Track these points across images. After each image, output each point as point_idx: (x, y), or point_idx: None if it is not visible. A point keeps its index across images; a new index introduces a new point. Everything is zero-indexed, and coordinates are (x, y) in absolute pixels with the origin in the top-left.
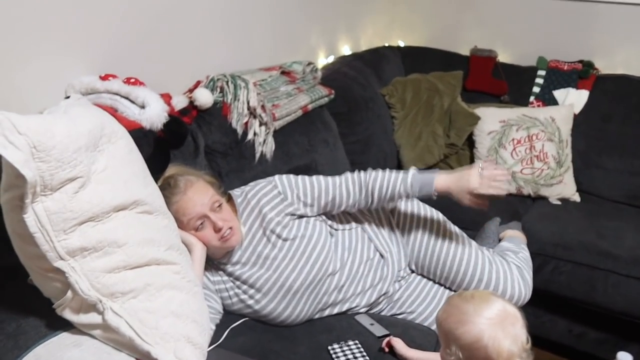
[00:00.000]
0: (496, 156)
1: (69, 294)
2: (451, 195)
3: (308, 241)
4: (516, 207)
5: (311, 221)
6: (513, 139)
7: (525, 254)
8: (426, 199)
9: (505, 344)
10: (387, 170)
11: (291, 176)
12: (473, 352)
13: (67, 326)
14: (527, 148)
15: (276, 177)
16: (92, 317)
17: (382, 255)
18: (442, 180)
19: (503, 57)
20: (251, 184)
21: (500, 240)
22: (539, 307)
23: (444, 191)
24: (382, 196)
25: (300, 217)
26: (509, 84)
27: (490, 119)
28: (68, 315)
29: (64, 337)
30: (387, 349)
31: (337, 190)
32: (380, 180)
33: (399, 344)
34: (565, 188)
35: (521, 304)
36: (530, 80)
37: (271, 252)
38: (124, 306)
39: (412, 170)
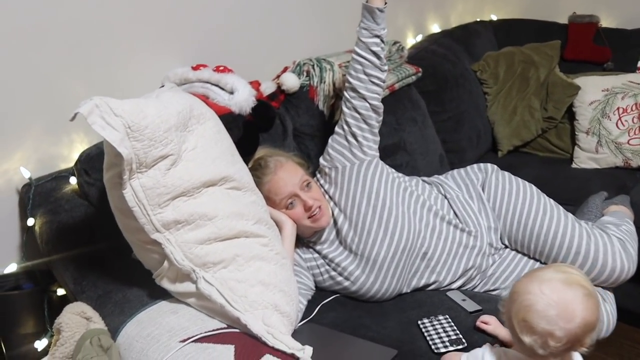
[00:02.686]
0: (599, 127)
1: (166, 264)
2: None
3: (387, 212)
4: (624, 181)
5: (388, 191)
6: (618, 108)
7: (629, 227)
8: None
9: (540, 306)
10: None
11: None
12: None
13: (166, 296)
14: (635, 117)
15: (320, 159)
16: (187, 286)
17: (469, 227)
18: None
19: (606, 22)
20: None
21: (603, 215)
22: None
23: None
24: (363, 43)
25: (370, 181)
26: (613, 50)
27: (592, 88)
28: (166, 284)
29: (163, 305)
30: (481, 326)
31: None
32: (357, 43)
33: (491, 320)
34: None
35: (624, 278)
36: (637, 45)
37: (350, 229)
38: (215, 275)
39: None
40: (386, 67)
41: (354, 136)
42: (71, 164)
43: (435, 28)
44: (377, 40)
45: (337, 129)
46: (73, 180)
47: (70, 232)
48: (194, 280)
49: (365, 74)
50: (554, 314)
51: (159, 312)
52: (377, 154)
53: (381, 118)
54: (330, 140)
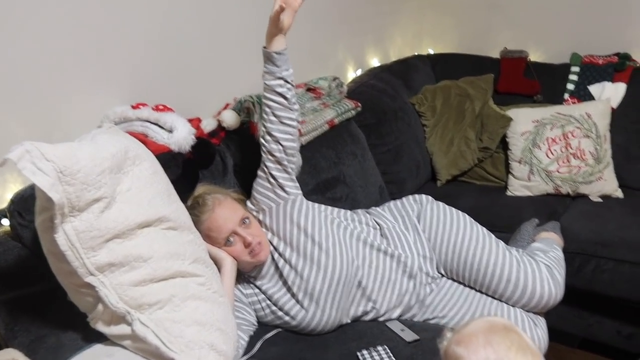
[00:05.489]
0: (531, 156)
1: (100, 307)
2: (275, 31)
3: (318, 247)
4: (554, 207)
5: (316, 226)
6: (547, 138)
7: (557, 253)
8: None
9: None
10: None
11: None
12: None
13: (101, 338)
14: (563, 146)
15: (247, 203)
16: (122, 328)
17: (398, 250)
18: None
19: (535, 57)
20: None
21: (534, 242)
22: (584, 309)
23: (269, 38)
24: (268, 86)
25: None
26: (542, 83)
27: (523, 119)
28: (101, 327)
29: (97, 348)
30: None
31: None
32: (263, 87)
33: None
34: (605, 184)
35: (553, 303)
36: (564, 78)
37: (285, 265)
38: (151, 317)
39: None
40: (296, 107)
41: (274, 178)
42: (4, 205)
43: (375, 62)
44: (281, 82)
45: (259, 172)
46: (5, 222)
47: (3, 276)
48: (129, 323)
49: (275, 115)
50: None
51: (93, 355)
52: (299, 192)
53: (295, 159)
54: (254, 184)
